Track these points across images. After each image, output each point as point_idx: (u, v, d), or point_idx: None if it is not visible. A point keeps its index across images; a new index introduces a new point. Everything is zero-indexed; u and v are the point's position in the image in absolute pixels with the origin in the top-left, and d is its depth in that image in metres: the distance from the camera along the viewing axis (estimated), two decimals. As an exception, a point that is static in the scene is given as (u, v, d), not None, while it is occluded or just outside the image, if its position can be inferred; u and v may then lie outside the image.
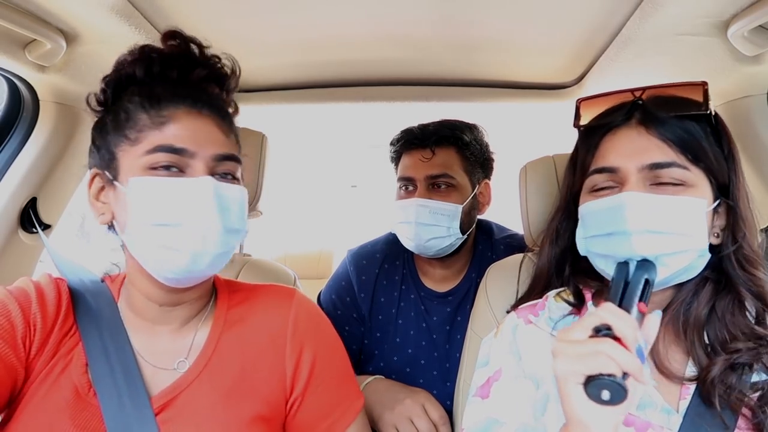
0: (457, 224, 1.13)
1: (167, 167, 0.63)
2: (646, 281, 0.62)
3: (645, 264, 0.63)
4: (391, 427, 1.01)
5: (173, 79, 0.68)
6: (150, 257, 0.65)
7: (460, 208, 1.13)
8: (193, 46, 0.69)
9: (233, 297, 0.77)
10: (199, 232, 0.63)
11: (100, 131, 0.69)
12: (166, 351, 0.71)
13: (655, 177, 0.65)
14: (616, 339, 0.53)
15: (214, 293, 0.78)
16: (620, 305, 0.59)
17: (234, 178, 0.69)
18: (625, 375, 0.52)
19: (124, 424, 0.63)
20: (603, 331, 0.54)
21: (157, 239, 0.63)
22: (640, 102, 0.69)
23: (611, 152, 0.68)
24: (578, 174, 0.74)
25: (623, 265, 0.64)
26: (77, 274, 0.75)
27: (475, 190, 1.18)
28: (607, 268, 0.68)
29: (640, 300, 0.60)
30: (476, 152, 1.19)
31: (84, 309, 0.71)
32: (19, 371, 0.64)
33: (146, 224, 0.63)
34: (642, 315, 0.59)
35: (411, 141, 1.18)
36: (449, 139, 1.16)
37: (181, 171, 0.64)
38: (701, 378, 0.64)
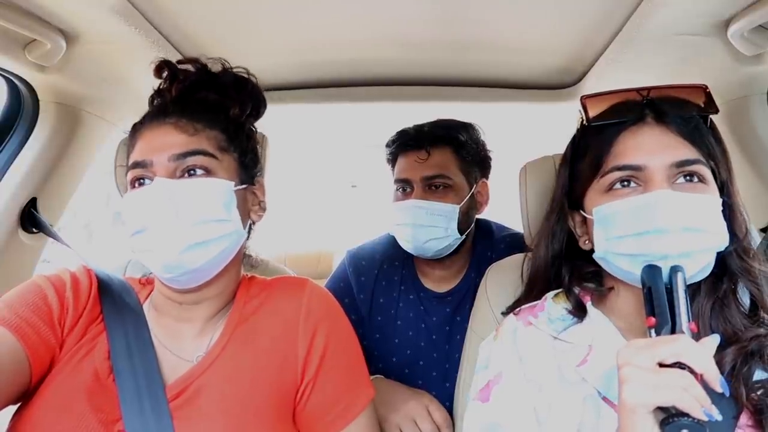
0: (454, 225, 1.13)
1: (139, 180, 0.71)
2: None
3: (675, 270, 0.60)
4: (395, 428, 1.01)
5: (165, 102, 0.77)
6: (141, 262, 0.71)
7: (457, 208, 1.13)
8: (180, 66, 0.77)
9: (250, 292, 0.80)
10: (158, 231, 0.68)
11: None
12: (189, 347, 0.74)
13: (678, 174, 0.65)
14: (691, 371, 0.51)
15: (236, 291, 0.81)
16: (672, 321, 0.56)
17: (207, 172, 0.71)
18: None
19: (139, 409, 0.66)
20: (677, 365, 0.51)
21: (136, 246, 0.70)
22: (650, 101, 0.69)
23: (634, 149, 0.67)
24: (586, 173, 0.72)
25: (654, 270, 0.62)
26: (103, 270, 0.80)
27: (472, 190, 1.18)
28: (632, 269, 0.65)
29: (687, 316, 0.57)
30: (472, 152, 1.19)
31: (110, 300, 0.75)
32: (55, 350, 0.69)
33: (128, 236, 0.70)
34: (695, 335, 0.55)
35: (406, 142, 1.18)
36: (444, 140, 1.16)
37: (150, 180, 0.70)
38: None
